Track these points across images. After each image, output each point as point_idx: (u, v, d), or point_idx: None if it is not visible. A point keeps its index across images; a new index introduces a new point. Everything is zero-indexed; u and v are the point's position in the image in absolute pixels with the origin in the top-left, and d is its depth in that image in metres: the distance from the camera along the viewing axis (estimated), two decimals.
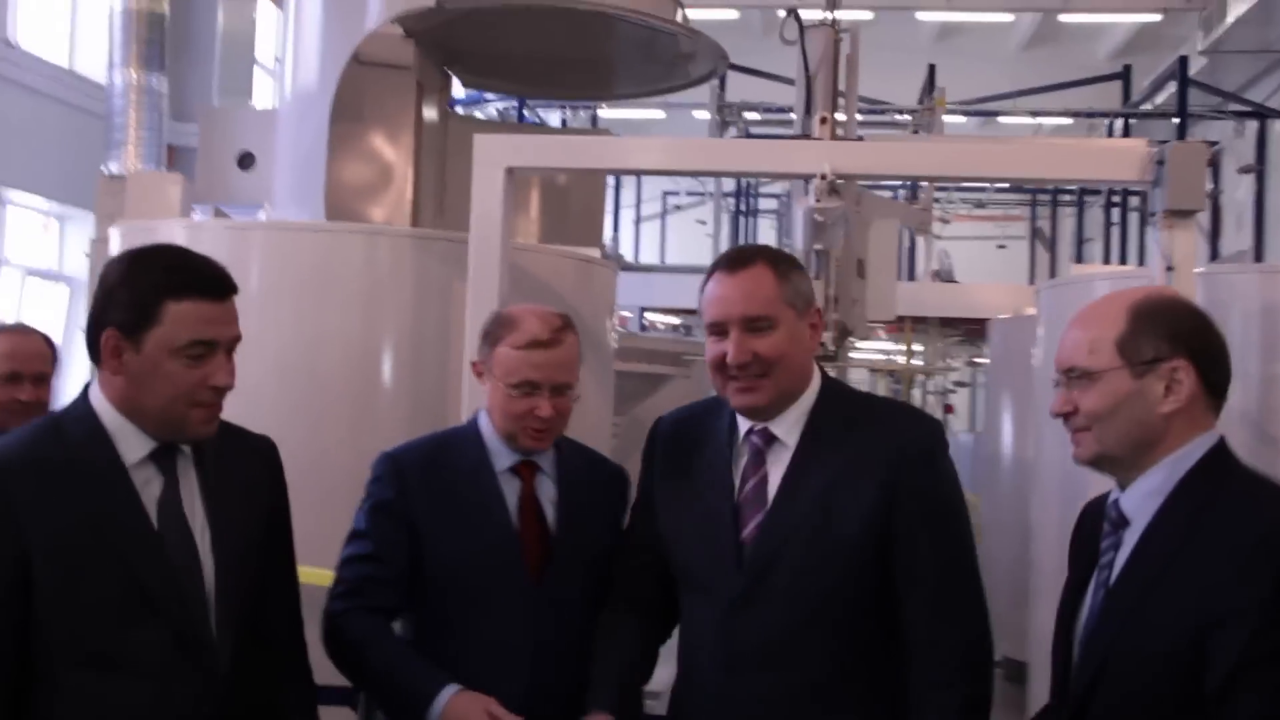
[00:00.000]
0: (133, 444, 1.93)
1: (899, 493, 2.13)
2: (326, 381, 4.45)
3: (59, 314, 11.52)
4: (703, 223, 16.45)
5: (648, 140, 4.15)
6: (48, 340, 3.33)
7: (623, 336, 10.30)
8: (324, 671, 3.50)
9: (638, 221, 17.90)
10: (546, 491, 2.42)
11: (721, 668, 2.16)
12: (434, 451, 2.44)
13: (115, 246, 5.19)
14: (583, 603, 2.36)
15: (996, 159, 3.66)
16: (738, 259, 2.23)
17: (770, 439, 2.20)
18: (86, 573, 1.84)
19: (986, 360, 9.58)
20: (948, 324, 11.28)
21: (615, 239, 14.12)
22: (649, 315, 13.61)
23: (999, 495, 7.28)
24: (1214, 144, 11.90)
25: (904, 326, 11.27)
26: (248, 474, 2.07)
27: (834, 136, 3.88)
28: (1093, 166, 3.63)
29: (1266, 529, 1.64)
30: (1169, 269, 3.37)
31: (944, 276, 12.52)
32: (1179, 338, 1.77)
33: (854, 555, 2.13)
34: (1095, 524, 1.90)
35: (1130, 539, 1.78)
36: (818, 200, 3.48)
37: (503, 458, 2.40)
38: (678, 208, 18.62)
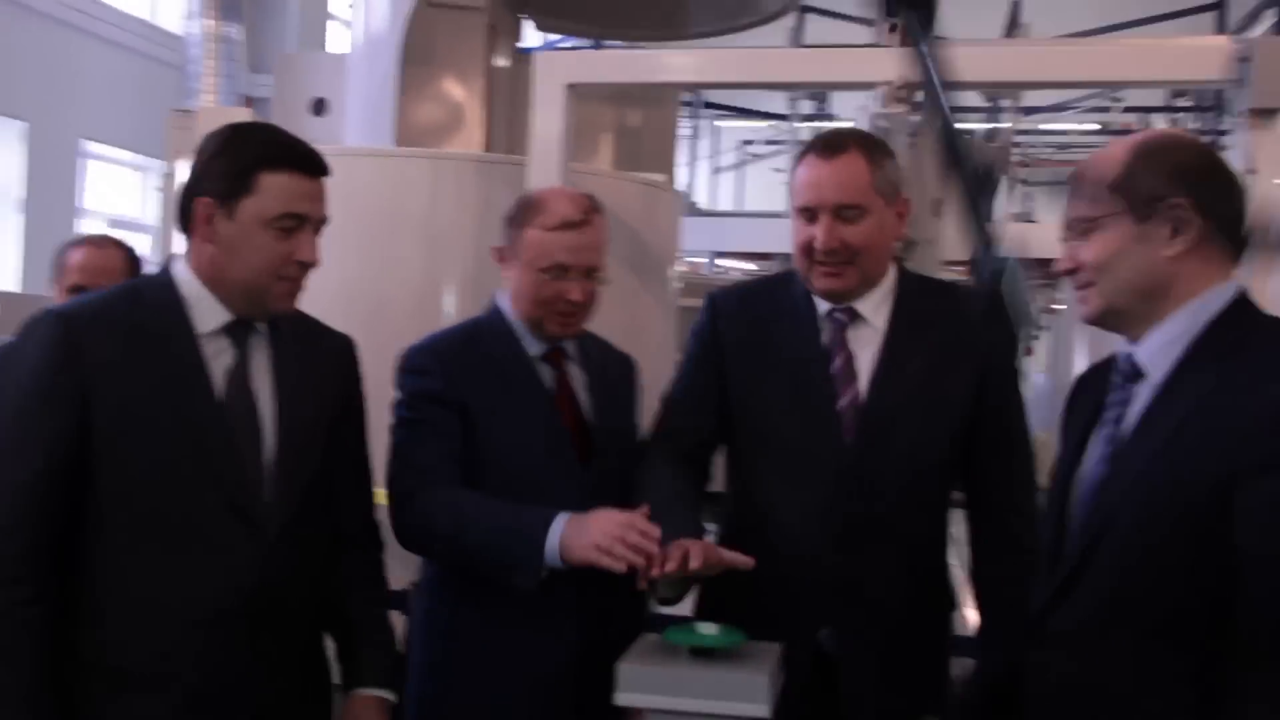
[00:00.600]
0: (208, 314, 1.96)
1: (990, 364, 2.26)
2: (392, 308, 4.48)
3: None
4: (780, 170, 16.26)
5: (712, 52, 4.07)
6: (130, 255, 3.25)
7: (693, 275, 10.26)
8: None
9: (715, 172, 17.75)
10: (578, 378, 2.40)
11: (827, 537, 2.18)
12: (467, 342, 2.38)
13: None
14: (622, 486, 2.35)
15: (1072, 60, 3.51)
16: (832, 143, 2.23)
17: (854, 316, 2.25)
18: (145, 431, 1.88)
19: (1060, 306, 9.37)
20: (1025, 265, 11.03)
21: (690, 187, 14.01)
22: (721, 262, 13.53)
23: None
24: None
25: None
26: (320, 362, 2.09)
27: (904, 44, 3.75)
28: (1173, 65, 3.46)
29: None
30: (1250, 173, 3.21)
31: (1024, 219, 12.25)
32: (1182, 175, 1.65)
33: (953, 429, 2.23)
34: (1093, 390, 1.82)
35: (1144, 392, 1.69)
36: (883, 107, 3.37)
37: (533, 345, 2.36)
38: (756, 156, 18.43)
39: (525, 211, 2.34)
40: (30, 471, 1.84)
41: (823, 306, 2.27)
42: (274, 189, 1.92)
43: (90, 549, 1.89)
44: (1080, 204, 1.71)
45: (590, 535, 1.99)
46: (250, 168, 1.92)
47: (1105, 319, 1.73)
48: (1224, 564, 1.55)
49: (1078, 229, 1.71)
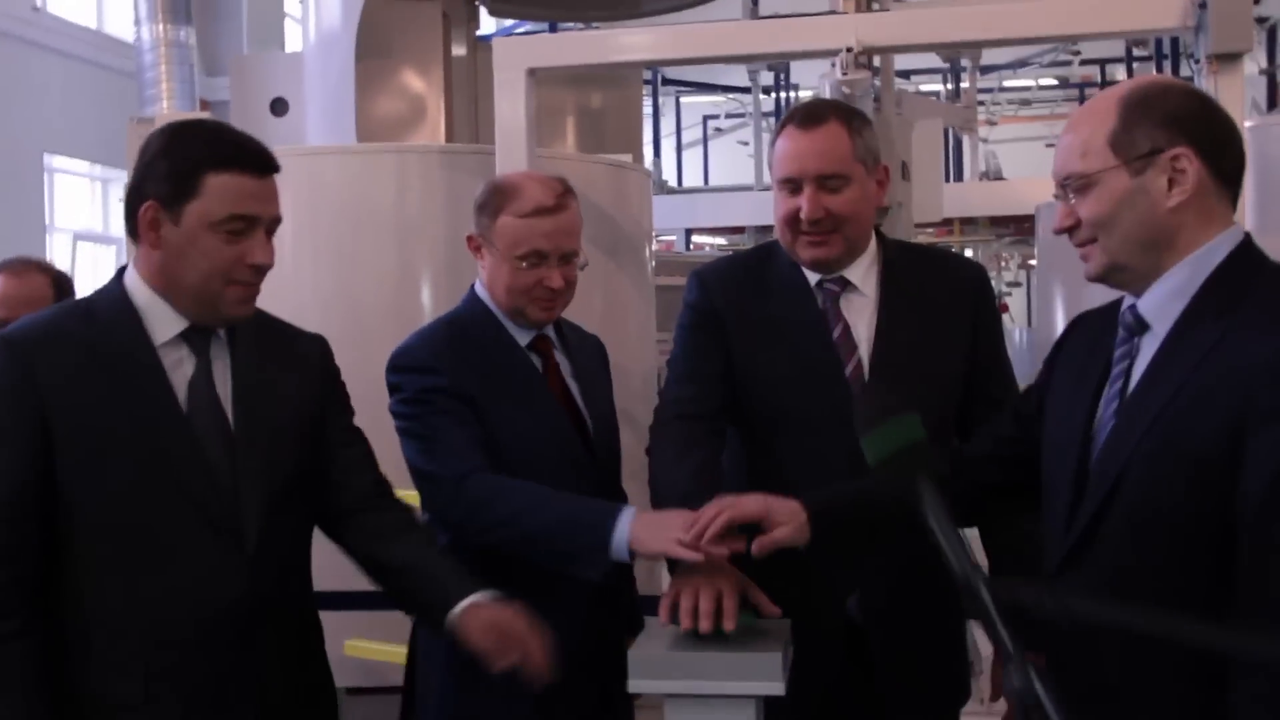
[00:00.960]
0: (164, 323, 1.89)
1: (977, 324, 2.31)
2: (366, 304, 4.46)
3: (108, 274, 11.68)
4: (744, 144, 16.25)
5: (670, 28, 4.05)
6: (57, 278, 2.97)
7: (668, 254, 10.27)
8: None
9: (679, 148, 17.73)
10: (564, 364, 2.38)
11: None
12: (456, 336, 2.33)
13: None
14: (616, 472, 2.35)
15: (1030, 17, 3.51)
16: (811, 115, 2.23)
17: (845, 284, 2.26)
18: (109, 451, 1.82)
19: (1036, 262, 9.40)
20: (997, 223, 11.10)
21: (657, 164, 13.99)
22: (696, 239, 13.54)
23: None
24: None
25: (953, 228, 11.10)
26: (287, 365, 2.01)
27: (860, 10, 3.74)
28: (1131, 15, 3.46)
29: None
30: None
31: (991, 176, 12.29)
32: (1177, 123, 1.61)
33: (953, 385, 2.26)
34: (1089, 337, 1.81)
35: (1150, 344, 1.66)
36: (844, 74, 3.37)
37: (521, 334, 2.34)
38: (719, 130, 18.42)
39: (497, 198, 2.30)
40: None
41: (813, 277, 2.27)
42: (220, 190, 1.83)
43: (67, 574, 1.84)
44: (1073, 160, 1.66)
45: (671, 530, 1.91)
46: (194, 169, 1.83)
47: (1110, 275, 1.69)
48: (1232, 517, 1.53)
49: (1074, 186, 1.67)
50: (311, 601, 2.10)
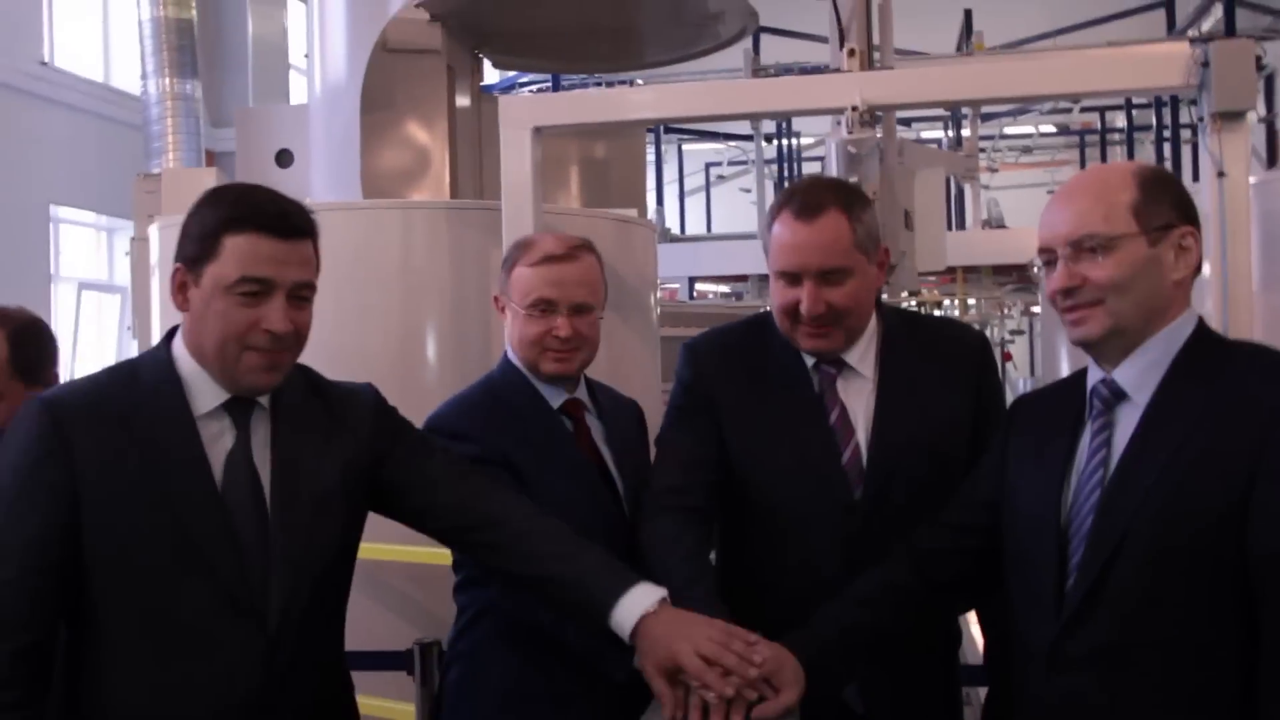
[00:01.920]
0: (205, 393, 1.85)
1: (981, 396, 2.26)
2: (372, 361, 4.45)
3: (112, 323, 11.72)
4: (747, 190, 16.31)
5: (676, 86, 4.08)
6: (14, 333, 2.66)
7: (671, 304, 10.28)
8: (375, 636, 3.52)
9: (681, 196, 17.81)
10: (596, 429, 2.37)
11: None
12: (491, 401, 2.33)
13: (154, 243, 5.24)
14: None
15: (1032, 75, 3.54)
16: (810, 204, 2.15)
17: (843, 366, 2.22)
18: (137, 527, 1.78)
19: (1040, 310, 9.40)
20: (1000, 272, 11.11)
21: (660, 213, 14.04)
22: (699, 286, 13.55)
23: None
24: (1264, 52, 11.52)
25: (956, 276, 11.11)
26: (331, 428, 1.94)
27: (864, 68, 3.77)
28: (1133, 74, 3.49)
29: None
30: (1220, 175, 3.23)
31: (994, 224, 12.31)
32: (1184, 206, 1.76)
33: (958, 462, 2.17)
34: (1040, 415, 1.89)
35: (1130, 413, 1.75)
36: (850, 132, 3.38)
37: (552, 397, 2.33)
38: (721, 178, 18.48)
39: (515, 253, 2.34)
40: (10, 573, 1.75)
41: (809, 358, 2.24)
42: (234, 252, 1.79)
43: (86, 648, 1.81)
44: (1095, 221, 1.73)
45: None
46: (215, 230, 1.80)
47: (1106, 339, 1.75)
48: (1240, 567, 1.61)
49: (1092, 245, 1.72)
50: (342, 684, 2.05)
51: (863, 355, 2.22)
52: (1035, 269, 1.83)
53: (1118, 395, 1.77)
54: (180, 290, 1.84)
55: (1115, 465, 1.73)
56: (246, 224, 1.80)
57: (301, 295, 1.85)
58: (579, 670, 2.12)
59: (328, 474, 1.92)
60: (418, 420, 2.30)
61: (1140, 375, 1.74)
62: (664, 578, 2.03)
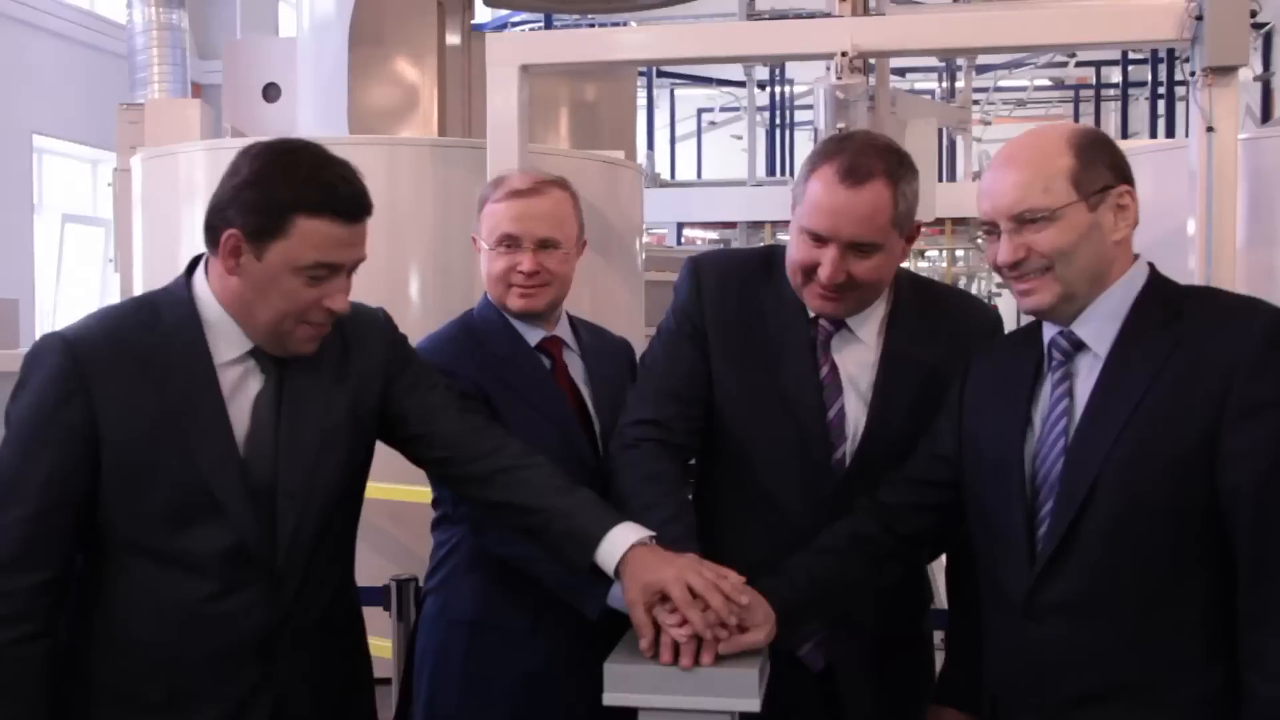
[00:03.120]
0: (229, 341, 1.83)
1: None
2: (356, 297, 4.43)
3: (96, 255, 11.65)
4: (738, 138, 16.22)
5: (664, 27, 4.04)
6: None
7: (658, 249, 10.26)
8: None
9: (673, 141, 17.71)
10: (575, 367, 2.35)
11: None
12: (468, 337, 2.32)
13: (137, 175, 5.20)
14: None
15: (1025, 25, 3.50)
16: (856, 168, 1.99)
17: (840, 325, 2.12)
18: (155, 466, 1.78)
19: None
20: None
21: (650, 158, 13.96)
22: (687, 232, 13.53)
23: None
24: (1259, 6, 11.48)
25: (944, 229, 11.11)
26: (343, 359, 1.94)
27: (855, 12, 3.73)
28: (1128, 26, 3.46)
29: (1267, 322, 1.68)
30: (1209, 130, 3.22)
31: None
32: (1117, 165, 1.77)
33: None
34: (996, 367, 1.90)
35: (1090, 363, 1.77)
36: (839, 78, 3.35)
37: (529, 334, 2.33)
38: (713, 124, 18.37)
39: (484, 190, 2.33)
40: (30, 509, 1.75)
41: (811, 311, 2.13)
42: (309, 236, 1.75)
43: (101, 581, 1.83)
44: (1034, 195, 1.73)
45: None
46: (285, 209, 1.75)
47: (1058, 306, 1.77)
48: (1213, 507, 1.65)
49: (1032, 219, 1.73)
50: (352, 618, 2.07)
51: (864, 320, 2.13)
52: (980, 240, 1.83)
53: (1077, 346, 1.79)
54: (233, 255, 1.79)
55: (1080, 413, 1.75)
56: (324, 208, 1.76)
57: (353, 271, 1.86)
58: (547, 602, 2.13)
59: (337, 406, 1.93)
60: None
61: (1098, 326, 1.77)
62: (640, 513, 2.00)
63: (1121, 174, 1.76)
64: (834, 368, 2.12)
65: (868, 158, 2.01)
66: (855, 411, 2.11)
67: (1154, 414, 1.68)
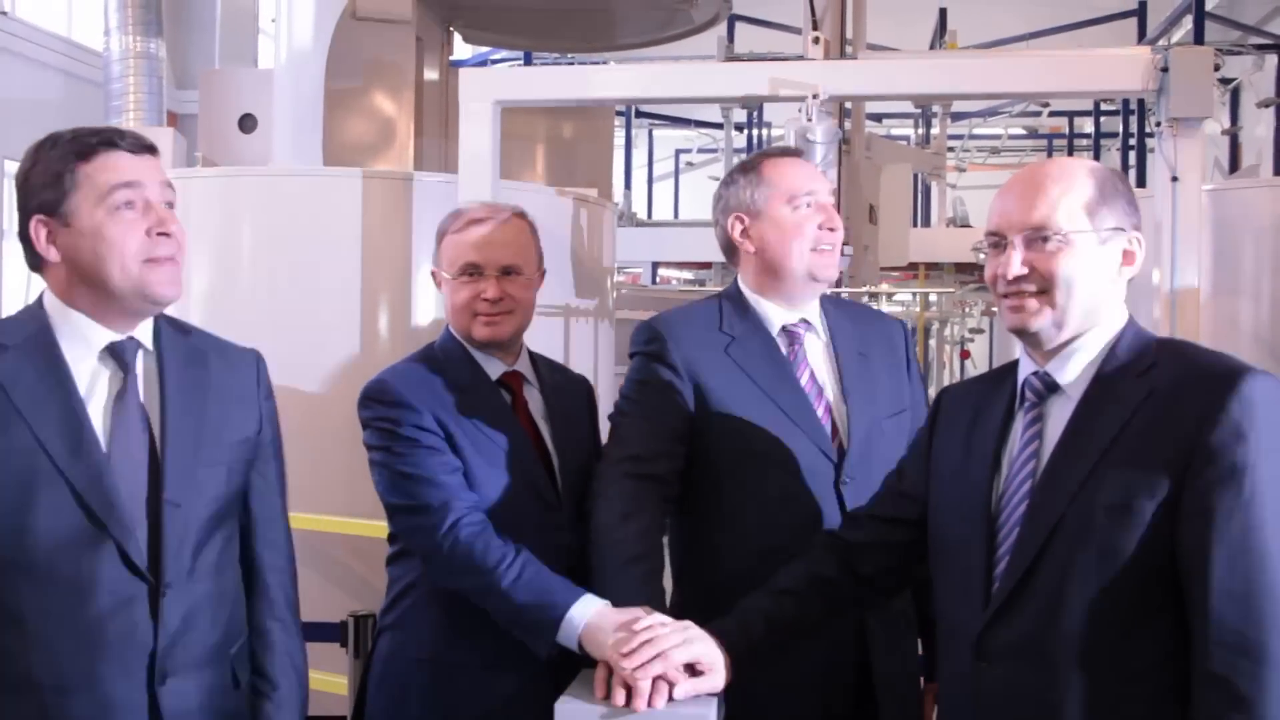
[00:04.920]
0: (83, 340, 1.82)
1: (910, 374, 2.43)
2: (323, 329, 4.41)
3: None
4: (716, 179, 16.29)
5: (638, 66, 4.06)
6: None
7: (630, 288, 10.27)
8: (315, 608, 3.49)
9: (650, 181, 17.78)
10: (535, 403, 2.35)
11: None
12: (428, 370, 2.31)
13: None
14: (584, 518, 2.29)
15: (995, 73, 3.54)
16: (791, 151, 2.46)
17: (808, 326, 2.33)
18: (32, 490, 1.73)
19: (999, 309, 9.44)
20: (962, 270, 11.16)
21: (627, 197, 14.00)
22: (662, 271, 13.55)
23: None
24: (1222, 61, 11.64)
25: (918, 273, 11.16)
26: (215, 380, 1.94)
27: (828, 56, 3.76)
28: (1095, 76, 3.51)
29: (1241, 381, 1.66)
30: (1174, 179, 3.25)
31: (959, 222, 12.38)
32: (1133, 210, 1.79)
33: (906, 423, 2.33)
34: (967, 407, 1.90)
35: (1062, 405, 1.77)
36: (809, 120, 3.37)
37: (491, 368, 2.32)
38: (690, 165, 18.46)
39: (443, 224, 2.35)
40: None
41: (775, 323, 2.31)
42: (96, 174, 1.78)
43: None
44: (1053, 214, 1.74)
45: (619, 642, 1.87)
46: (64, 167, 1.78)
47: (1043, 330, 1.76)
48: (1173, 560, 1.64)
49: (1045, 237, 1.73)
50: (239, 636, 2.00)
51: (817, 318, 2.35)
52: (980, 253, 1.82)
53: (1051, 387, 1.78)
54: (49, 240, 1.80)
55: (1048, 456, 1.74)
56: (95, 149, 1.80)
57: (170, 204, 1.86)
58: (504, 640, 2.11)
59: (209, 423, 1.91)
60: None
61: (1073, 369, 1.77)
62: (606, 554, 2.07)
63: (1134, 221, 1.78)
64: (811, 373, 2.29)
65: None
66: (837, 405, 2.27)
67: (1121, 461, 1.67)
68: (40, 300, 1.87)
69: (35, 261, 1.83)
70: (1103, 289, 1.76)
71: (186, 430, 1.87)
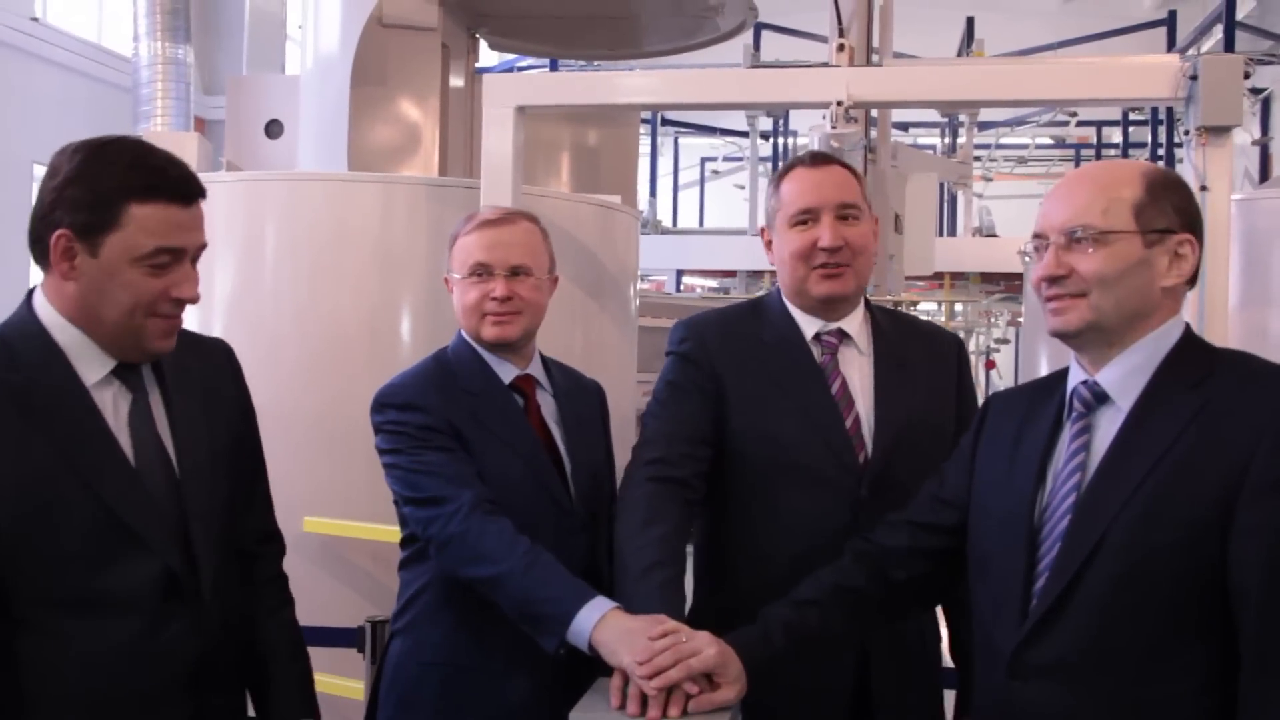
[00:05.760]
0: (92, 362, 1.74)
1: (961, 390, 2.36)
2: (345, 334, 4.41)
3: None
4: (740, 187, 16.28)
5: (661, 73, 4.05)
6: None
7: (653, 295, 10.26)
8: (334, 613, 3.48)
9: (675, 189, 17.79)
10: (548, 407, 2.35)
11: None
12: (441, 373, 2.31)
13: None
14: (597, 521, 2.29)
15: (1022, 80, 3.51)
16: (819, 157, 2.35)
17: (843, 336, 2.28)
18: (59, 508, 1.68)
19: (1024, 320, 9.40)
20: (988, 280, 11.11)
21: (652, 204, 14.00)
22: (686, 279, 13.54)
23: None
24: (1253, 69, 11.54)
25: (944, 283, 11.12)
26: (208, 382, 1.91)
27: (853, 63, 3.74)
28: (1123, 84, 3.47)
29: (1277, 381, 1.63)
30: (1203, 189, 3.20)
31: (985, 232, 12.32)
32: (1188, 214, 1.72)
33: (948, 441, 2.18)
34: (1015, 415, 1.85)
35: (1112, 417, 1.70)
36: (834, 127, 3.35)
37: (503, 371, 2.31)
38: (716, 173, 18.46)
39: (456, 228, 2.36)
40: None
41: (809, 330, 2.27)
42: (144, 222, 1.68)
43: (16, 636, 1.69)
44: (1093, 213, 1.69)
45: (635, 644, 1.85)
46: (115, 198, 1.67)
47: (1084, 333, 1.71)
48: (1220, 581, 1.58)
49: (1083, 236, 1.69)
50: (250, 641, 2.00)
51: (859, 328, 2.30)
52: (1025, 256, 1.78)
53: (1100, 398, 1.73)
54: (66, 258, 1.70)
55: (1095, 468, 1.69)
56: (155, 192, 1.69)
57: (197, 258, 1.78)
58: (517, 645, 2.09)
59: (216, 429, 1.89)
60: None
61: (1124, 378, 1.70)
62: (627, 560, 2.05)
63: (1188, 223, 1.71)
64: (844, 382, 2.25)
65: (824, 153, 2.37)
66: (867, 416, 2.24)
67: (1171, 476, 1.61)
68: (32, 308, 1.77)
69: (44, 263, 1.75)
70: (1147, 293, 1.69)
71: (197, 441, 1.84)
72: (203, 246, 1.79)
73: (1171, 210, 1.71)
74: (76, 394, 1.72)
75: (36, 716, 1.71)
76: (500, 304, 2.25)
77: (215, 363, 1.98)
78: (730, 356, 2.27)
